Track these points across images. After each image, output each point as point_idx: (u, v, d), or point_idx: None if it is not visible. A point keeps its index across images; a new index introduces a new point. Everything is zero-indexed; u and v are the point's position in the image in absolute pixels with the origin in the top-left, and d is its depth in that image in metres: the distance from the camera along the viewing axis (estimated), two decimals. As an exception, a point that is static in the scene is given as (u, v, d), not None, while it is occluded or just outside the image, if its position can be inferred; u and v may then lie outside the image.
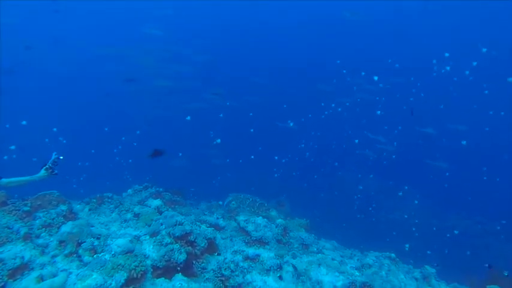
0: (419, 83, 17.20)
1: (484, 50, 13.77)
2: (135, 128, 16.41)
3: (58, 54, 23.91)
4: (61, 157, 3.73)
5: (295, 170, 15.93)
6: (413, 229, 11.63)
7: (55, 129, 13.26)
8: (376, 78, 13.33)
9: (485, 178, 14.20)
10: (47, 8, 21.42)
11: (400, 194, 13.50)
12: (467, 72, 14.37)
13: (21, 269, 4.42)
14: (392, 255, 6.81)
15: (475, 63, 13.02)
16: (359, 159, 14.70)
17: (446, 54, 12.78)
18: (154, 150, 5.27)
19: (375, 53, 22.93)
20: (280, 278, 4.95)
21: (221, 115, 15.67)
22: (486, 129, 15.94)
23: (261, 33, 26.59)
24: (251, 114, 17.35)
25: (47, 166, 3.62)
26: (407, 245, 8.92)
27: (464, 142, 13.56)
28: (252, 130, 15.42)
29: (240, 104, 17.05)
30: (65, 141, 13.28)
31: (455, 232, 11.36)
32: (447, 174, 12.89)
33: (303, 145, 16.73)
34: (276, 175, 14.57)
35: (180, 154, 13.69)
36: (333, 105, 16.12)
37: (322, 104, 16.85)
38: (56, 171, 3.68)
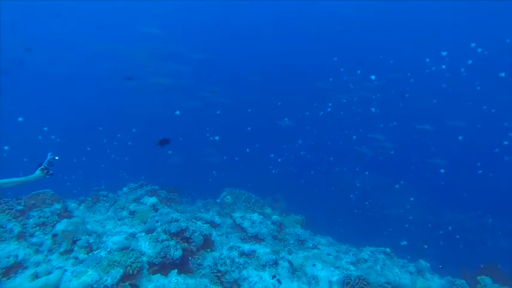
0: (415, 79, 17.34)
1: (480, 50, 13.90)
2: (131, 126, 16.34)
3: (56, 53, 23.72)
4: (56, 157, 3.70)
5: (292, 166, 15.99)
6: (408, 225, 11.77)
7: (46, 128, 13.19)
8: (373, 77, 13.46)
9: (480, 172, 14.38)
10: (46, 7, 21.21)
11: (396, 190, 13.62)
12: (462, 70, 14.54)
13: (15, 267, 4.39)
14: (388, 250, 6.87)
15: (470, 62, 13.17)
16: (356, 155, 14.81)
17: (444, 53, 12.88)
18: (160, 139, 5.37)
19: (372, 50, 23.03)
20: (275, 277, 4.97)
21: (218, 112, 15.68)
22: (478, 126, 16.15)
23: (258, 31, 26.57)
24: (249, 110, 17.37)
25: (42, 167, 3.60)
26: (404, 242, 9.01)
27: (460, 137, 13.76)
28: (249, 128, 15.45)
29: (237, 102, 17.05)
30: (58, 140, 13.21)
31: (450, 228, 11.52)
32: (442, 171, 13.04)
33: (300, 141, 16.78)
34: (273, 171, 14.59)
35: (170, 152, 13.66)
36: (330, 104, 16.20)
37: (315, 104, 16.90)
38: (51, 172, 3.65)
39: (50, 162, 3.66)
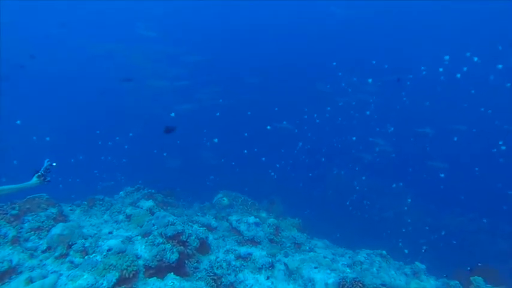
0: (415, 82, 17.41)
1: (475, 59, 14.02)
2: (129, 128, 16.31)
3: (53, 54, 23.70)
4: (54, 164, 3.68)
5: (290, 170, 15.98)
6: (406, 227, 11.81)
7: (44, 132, 13.12)
8: (370, 80, 13.57)
9: (476, 169, 14.45)
10: (45, 8, 21.22)
11: (395, 192, 13.68)
12: (458, 76, 14.68)
13: (9, 273, 4.37)
14: (384, 252, 6.90)
15: (465, 69, 13.32)
16: (355, 159, 14.86)
17: (446, 57, 12.96)
18: (166, 127, 5.47)
19: (371, 52, 23.12)
20: (269, 278, 4.98)
21: (218, 114, 15.70)
22: (473, 130, 16.28)
23: (256, 33, 26.69)
24: (249, 113, 17.36)
25: (39, 173, 3.56)
26: (406, 251, 9.05)
27: (455, 138, 13.84)
28: (246, 134, 15.47)
29: (235, 104, 17.09)
30: (48, 139, 13.08)
31: (449, 230, 11.59)
32: (442, 175, 13.12)
33: (300, 144, 16.77)
34: (272, 174, 14.58)
35: (165, 154, 13.63)
36: (329, 108, 16.28)
37: (307, 108, 16.85)
38: (48, 179, 3.62)
39: (47, 169, 3.63)
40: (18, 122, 11.75)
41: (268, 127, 12.86)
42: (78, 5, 22.12)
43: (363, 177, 14.13)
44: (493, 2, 18.37)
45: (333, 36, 25.11)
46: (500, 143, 12.11)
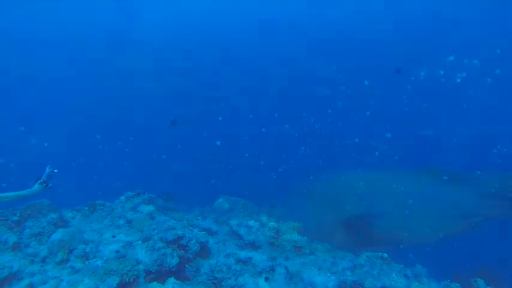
0: (415, 84, 17.44)
1: (475, 61, 14.03)
2: (130, 133, 16.37)
3: (52, 56, 23.85)
4: (55, 170, 3.71)
5: (291, 173, 15.97)
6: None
7: (35, 139, 13.04)
8: (366, 82, 13.64)
9: (479, 172, 14.45)
10: (44, 8, 21.38)
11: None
12: (458, 80, 14.70)
13: (10, 279, 4.38)
14: (385, 255, 6.87)
15: (464, 74, 13.34)
16: (355, 162, 14.87)
17: (451, 58, 12.94)
18: (171, 121, 5.58)
19: (368, 55, 23.19)
20: (267, 279, 4.98)
21: (220, 118, 15.77)
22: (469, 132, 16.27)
23: (253, 37, 26.85)
24: (251, 116, 17.40)
25: (41, 180, 3.58)
26: (411, 255, 9.01)
27: (454, 139, 13.83)
28: (246, 138, 15.53)
29: (235, 107, 17.17)
30: (46, 144, 13.03)
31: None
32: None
33: (303, 148, 16.75)
34: (275, 177, 14.57)
35: (164, 156, 13.66)
36: (329, 110, 16.33)
37: (303, 113, 16.89)
38: (50, 185, 3.64)
39: (49, 176, 3.66)
40: (22, 128, 11.71)
41: (263, 129, 12.90)
42: (77, 10, 22.25)
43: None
44: (492, 3, 18.45)
45: (330, 39, 25.25)
46: (498, 147, 12.15)
